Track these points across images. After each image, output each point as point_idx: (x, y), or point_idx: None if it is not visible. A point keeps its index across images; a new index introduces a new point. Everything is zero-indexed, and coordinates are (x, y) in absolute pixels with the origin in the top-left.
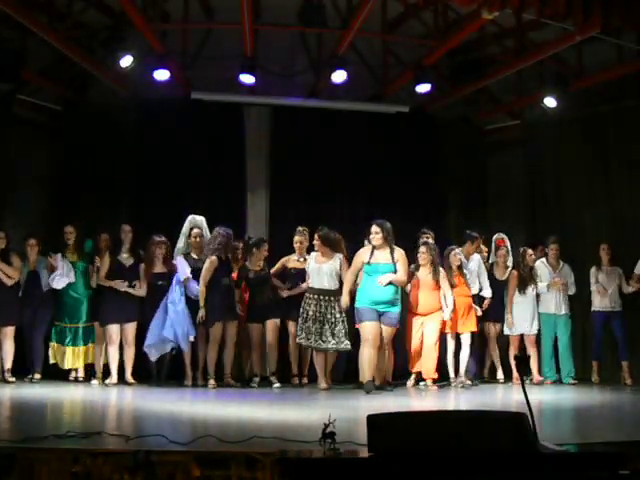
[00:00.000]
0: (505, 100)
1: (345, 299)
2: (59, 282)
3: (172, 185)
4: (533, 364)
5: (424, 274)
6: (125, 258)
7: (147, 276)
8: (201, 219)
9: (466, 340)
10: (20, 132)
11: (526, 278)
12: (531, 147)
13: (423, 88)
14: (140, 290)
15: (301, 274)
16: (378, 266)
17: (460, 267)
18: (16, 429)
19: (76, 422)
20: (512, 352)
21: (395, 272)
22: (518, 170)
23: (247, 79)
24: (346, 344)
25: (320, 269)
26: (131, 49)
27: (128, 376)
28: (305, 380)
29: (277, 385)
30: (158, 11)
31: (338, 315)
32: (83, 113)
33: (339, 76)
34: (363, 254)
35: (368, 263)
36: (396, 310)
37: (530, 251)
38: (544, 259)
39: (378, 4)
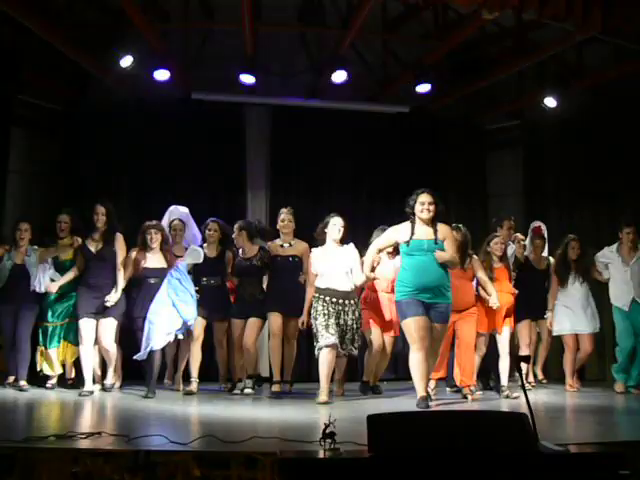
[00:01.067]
0: (505, 100)
1: (369, 274)
2: (43, 284)
3: (172, 185)
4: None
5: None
6: (94, 243)
7: (137, 268)
8: (184, 210)
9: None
10: (20, 132)
11: (565, 271)
12: (531, 147)
13: (423, 88)
14: (114, 295)
15: (288, 264)
16: (422, 243)
17: (503, 258)
18: (16, 429)
19: (76, 422)
20: (569, 355)
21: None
22: (518, 170)
23: (247, 79)
24: (356, 351)
25: (333, 267)
26: (131, 49)
27: (109, 380)
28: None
29: (249, 390)
30: (158, 11)
31: (350, 322)
32: (83, 113)
33: (339, 76)
34: (401, 231)
35: (407, 243)
36: (448, 302)
37: (574, 243)
38: (614, 247)
39: (378, 4)
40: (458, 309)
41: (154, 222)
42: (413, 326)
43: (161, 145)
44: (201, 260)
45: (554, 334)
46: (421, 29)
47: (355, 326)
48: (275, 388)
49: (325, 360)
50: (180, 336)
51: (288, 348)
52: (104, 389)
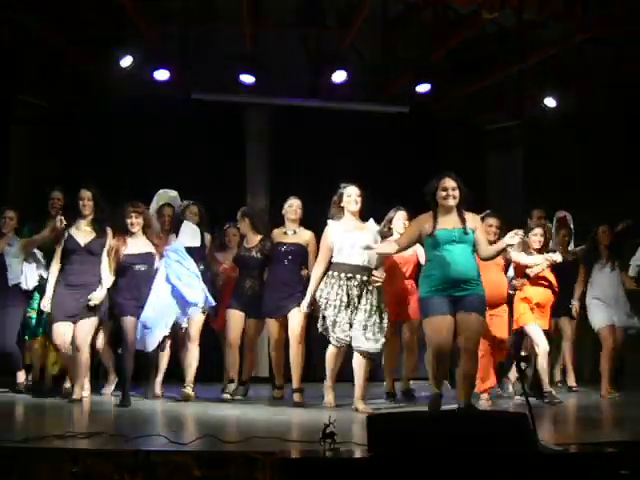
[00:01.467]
0: (505, 100)
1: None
2: (30, 280)
3: (172, 185)
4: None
5: None
6: (83, 233)
7: (116, 257)
8: (173, 194)
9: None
10: (20, 132)
11: (593, 258)
12: (531, 147)
13: (423, 88)
14: (98, 292)
15: (290, 253)
16: (452, 232)
17: (542, 250)
18: (16, 429)
19: (76, 422)
20: (606, 352)
21: (473, 244)
22: (518, 170)
23: (247, 79)
24: (381, 344)
25: (354, 240)
26: (131, 49)
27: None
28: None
29: (239, 397)
30: (158, 11)
31: (375, 302)
32: (83, 113)
33: (339, 76)
34: (423, 222)
35: (431, 234)
36: (480, 293)
37: (603, 227)
38: None
39: (378, 4)
40: (490, 304)
41: (136, 203)
42: (436, 325)
43: (161, 145)
44: (198, 242)
45: (596, 328)
46: (421, 29)
47: (381, 305)
48: (277, 394)
49: (331, 356)
50: (184, 324)
51: (293, 352)
52: (70, 401)
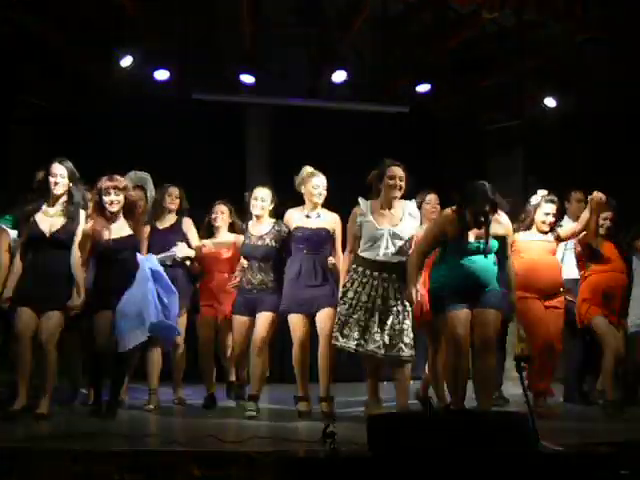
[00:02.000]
0: (505, 100)
1: (412, 292)
2: None
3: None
4: None
5: (538, 238)
6: (47, 219)
7: (99, 243)
8: (146, 176)
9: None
10: (20, 132)
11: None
12: (531, 147)
13: (423, 88)
14: (77, 300)
15: (314, 239)
16: (478, 244)
17: (609, 234)
18: (16, 429)
19: (76, 422)
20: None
21: (500, 249)
22: (518, 170)
23: (247, 79)
24: (407, 352)
25: (386, 230)
26: (131, 49)
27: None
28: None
29: (251, 412)
30: (158, 11)
31: (400, 305)
32: (83, 113)
33: (339, 76)
34: (446, 225)
35: (457, 243)
36: (497, 289)
37: None
38: None
39: (378, 3)
40: (546, 293)
41: (115, 177)
42: (453, 319)
43: (161, 145)
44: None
45: (632, 329)
46: (421, 29)
47: (407, 310)
48: (302, 407)
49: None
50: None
51: (321, 356)
52: (37, 416)
